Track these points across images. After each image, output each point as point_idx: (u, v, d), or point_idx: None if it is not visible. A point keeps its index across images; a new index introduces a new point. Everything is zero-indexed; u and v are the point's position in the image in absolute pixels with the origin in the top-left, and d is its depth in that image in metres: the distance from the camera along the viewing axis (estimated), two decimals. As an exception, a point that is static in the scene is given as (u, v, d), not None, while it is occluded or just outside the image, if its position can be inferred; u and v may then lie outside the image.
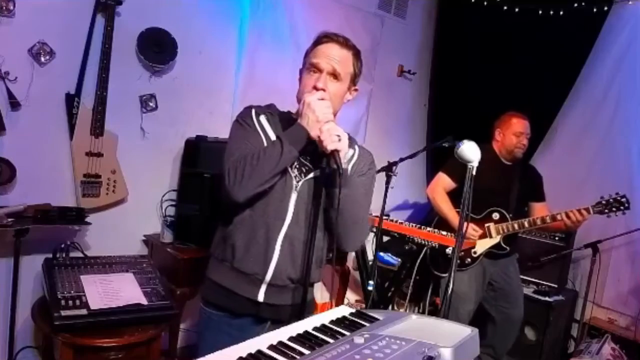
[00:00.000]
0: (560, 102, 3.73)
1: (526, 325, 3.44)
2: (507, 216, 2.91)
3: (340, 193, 1.38)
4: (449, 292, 1.36)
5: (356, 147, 1.66)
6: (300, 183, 1.53)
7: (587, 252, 3.24)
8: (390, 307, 3.15)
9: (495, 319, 3.09)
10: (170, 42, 2.75)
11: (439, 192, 2.96)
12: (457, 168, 2.92)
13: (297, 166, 1.54)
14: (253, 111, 1.58)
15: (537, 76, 3.67)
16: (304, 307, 1.55)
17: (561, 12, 3.61)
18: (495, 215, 2.92)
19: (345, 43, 1.55)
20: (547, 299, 3.42)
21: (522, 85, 3.68)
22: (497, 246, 2.93)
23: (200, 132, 2.75)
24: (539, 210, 2.99)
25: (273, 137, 1.52)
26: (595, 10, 3.51)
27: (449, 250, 2.76)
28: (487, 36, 3.87)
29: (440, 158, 3.22)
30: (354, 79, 1.59)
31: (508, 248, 2.95)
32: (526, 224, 2.86)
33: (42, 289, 2.29)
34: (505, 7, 3.83)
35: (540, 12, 3.68)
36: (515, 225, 2.87)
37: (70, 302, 2.00)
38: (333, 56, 1.51)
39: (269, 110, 1.61)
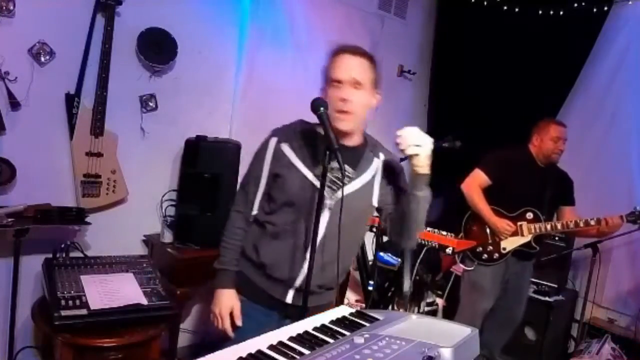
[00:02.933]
0: (560, 102, 3.72)
1: (526, 325, 3.44)
2: (541, 217, 2.91)
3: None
4: (406, 290, 1.40)
5: (380, 154, 1.69)
6: (334, 202, 1.56)
7: (587, 252, 3.23)
8: (390, 307, 3.14)
9: (497, 317, 3.09)
10: (170, 42, 2.74)
11: (475, 188, 2.95)
12: (493, 165, 2.94)
13: (329, 185, 1.55)
14: (274, 141, 1.62)
15: (537, 76, 3.67)
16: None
17: (561, 12, 3.61)
18: (529, 215, 2.92)
19: (359, 52, 1.59)
20: (547, 299, 3.43)
21: (522, 85, 3.67)
22: (527, 245, 2.93)
23: (200, 132, 2.76)
24: (568, 213, 3.00)
25: (298, 164, 1.57)
26: (595, 10, 3.51)
27: (449, 250, 2.76)
28: (487, 36, 3.87)
29: (440, 158, 3.19)
30: (375, 85, 1.62)
31: (538, 248, 2.96)
32: (559, 226, 2.86)
33: (42, 289, 2.29)
34: (505, 7, 3.83)
35: (540, 12, 3.68)
36: (548, 227, 2.87)
37: (70, 302, 2.00)
38: (351, 66, 1.55)
39: (293, 132, 1.62)
